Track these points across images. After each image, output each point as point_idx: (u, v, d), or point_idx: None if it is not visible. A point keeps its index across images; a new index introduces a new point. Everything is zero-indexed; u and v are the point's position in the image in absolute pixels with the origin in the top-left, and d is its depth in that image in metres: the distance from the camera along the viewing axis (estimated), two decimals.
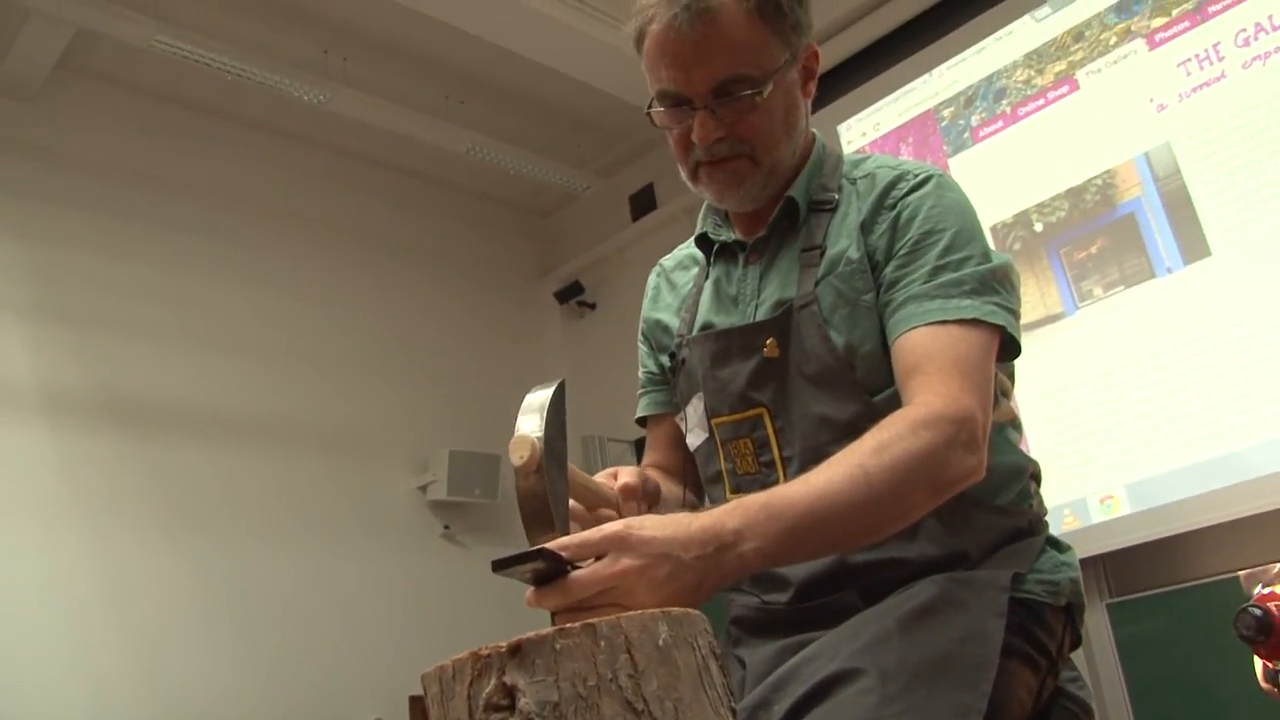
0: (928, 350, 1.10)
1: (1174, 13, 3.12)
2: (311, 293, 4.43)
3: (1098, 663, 3.04)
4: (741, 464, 1.25)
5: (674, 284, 1.43)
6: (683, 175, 1.28)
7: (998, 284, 1.15)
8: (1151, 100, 3.13)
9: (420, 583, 4.32)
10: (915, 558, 1.14)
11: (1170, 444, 2.95)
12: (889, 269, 1.18)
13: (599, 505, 1.12)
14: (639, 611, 0.75)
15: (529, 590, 0.84)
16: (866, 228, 1.21)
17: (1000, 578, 1.12)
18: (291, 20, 3.98)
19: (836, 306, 1.19)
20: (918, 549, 1.14)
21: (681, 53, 1.17)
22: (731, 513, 0.90)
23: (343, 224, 4.64)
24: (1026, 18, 3.46)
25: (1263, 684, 1.59)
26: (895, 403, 1.09)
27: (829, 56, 3.18)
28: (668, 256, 1.48)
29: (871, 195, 1.23)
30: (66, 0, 3.43)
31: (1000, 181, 3.43)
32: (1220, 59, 3.00)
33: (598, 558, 0.84)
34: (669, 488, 1.33)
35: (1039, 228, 3.35)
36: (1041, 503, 1.27)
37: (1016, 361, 1.25)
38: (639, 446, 1.52)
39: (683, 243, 1.46)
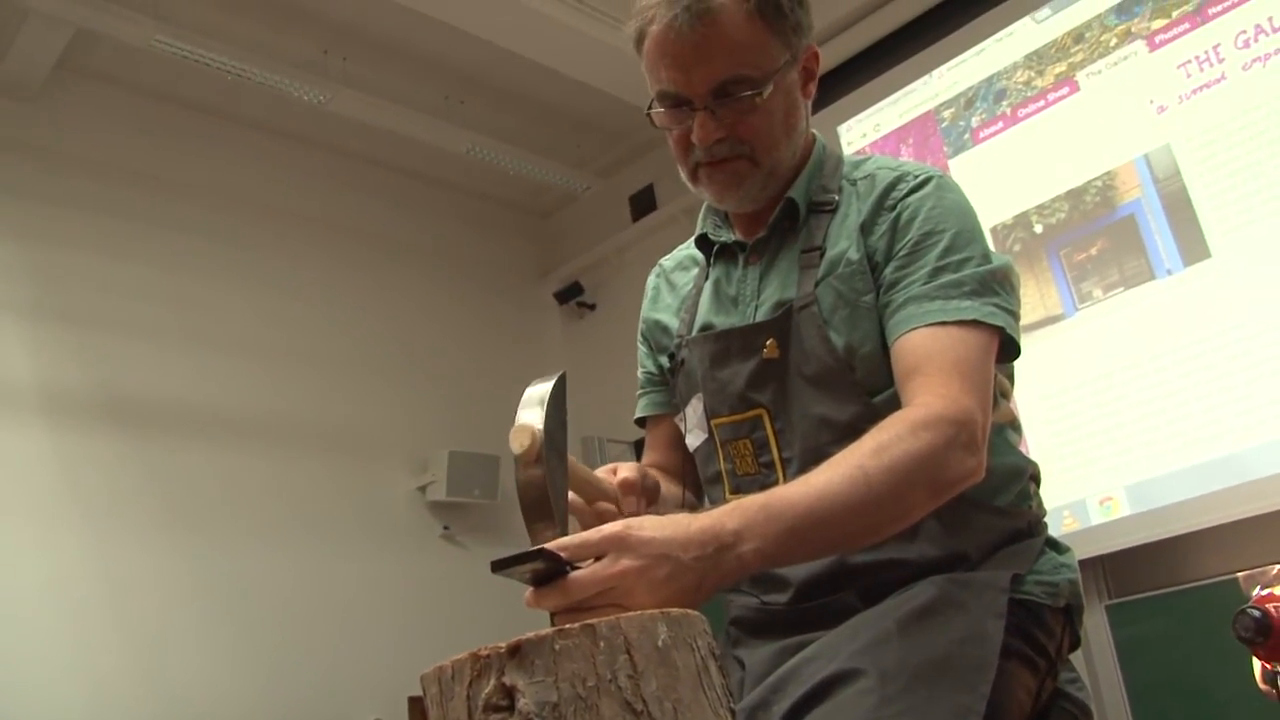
0: (927, 351, 1.10)
1: (1174, 14, 3.12)
2: (311, 293, 4.43)
3: (1097, 664, 3.04)
4: (741, 465, 1.25)
5: (674, 284, 1.43)
6: (682, 176, 1.28)
7: (997, 285, 1.15)
8: (1152, 102, 3.13)
9: (419, 583, 4.32)
10: (915, 559, 1.14)
11: (1169, 445, 2.95)
12: (889, 270, 1.18)
13: (598, 498, 1.12)
14: (638, 612, 0.75)
15: (528, 591, 0.84)
16: (866, 229, 1.21)
17: (999, 579, 1.12)
18: (291, 20, 3.98)
19: (836, 307, 1.19)
20: (917, 550, 1.14)
21: (681, 53, 1.17)
22: (731, 514, 0.90)
23: (342, 224, 4.64)
24: (1027, 19, 3.47)
25: (1261, 685, 1.59)
26: (895, 404, 1.09)
27: (829, 57, 3.18)
28: (667, 257, 1.48)
29: (871, 196, 1.23)
30: (66, 0, 3.43)
31: (1000, 183, 3.43)
32: (1220, 61, 3.00)
33: (597, 558, 0.84)
34: (668, 488, 1.33)
35: (1039, 229, 3.35)
36: (1041, 504, 1.28)
37: (1016, 363, 1.25)
38: (639, 447, 1.52)
39: (682, 243, 1.46)
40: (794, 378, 1.21)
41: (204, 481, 3.88)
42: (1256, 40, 2.94)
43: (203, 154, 4.27)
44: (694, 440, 1.32)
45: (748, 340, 1.24)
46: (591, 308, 5.19)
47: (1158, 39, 3.15)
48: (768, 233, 1.28)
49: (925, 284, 1.14)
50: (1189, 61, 3.07)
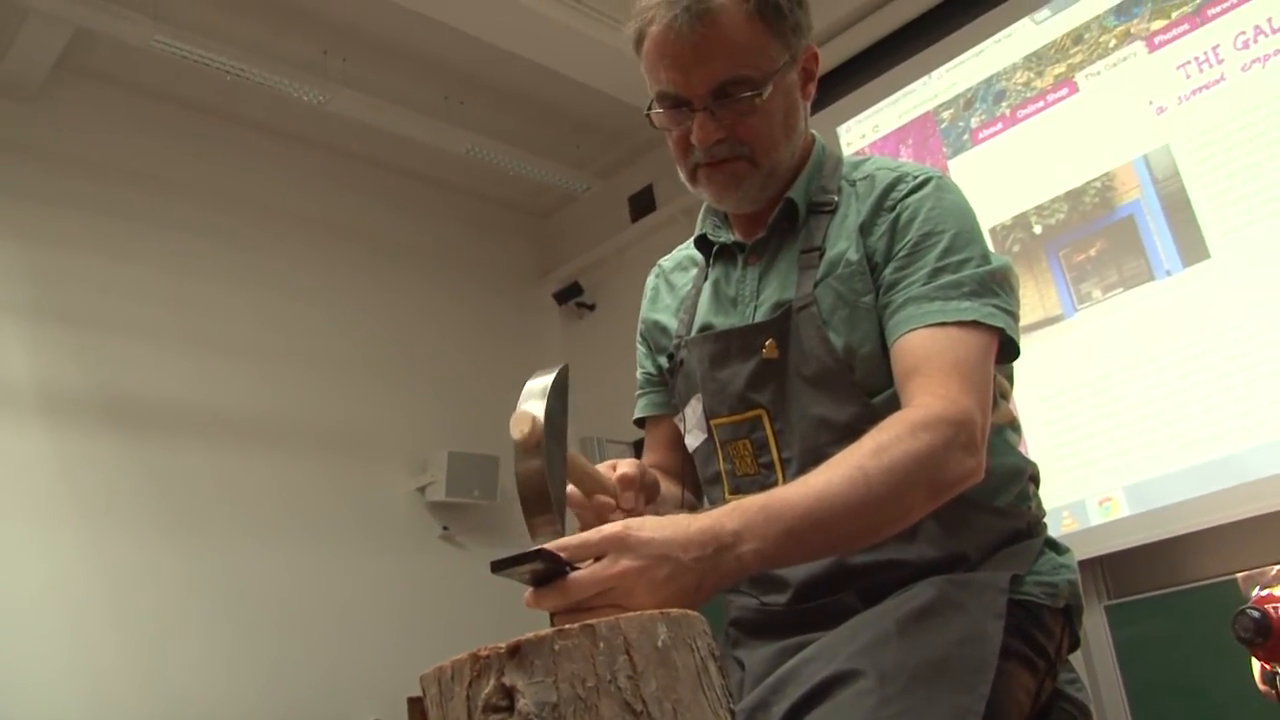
0: (927, 352, 1.10)
1: (1173, 15, 3.12)
2: (311, 293, 4.43)
3: (1096, 665, 3.04)
4: (740, 465, 1.25)
5: (673, 285, 1.43)
6: (681, 177, 1.28)
7: (997, 286, 1.15)
8: (1151, 103, 3.13)
9: (419, 584, 4.32)
10: (914, 559, 1.14)
11: (1169, 446, 2.95)
12: (888, 270, 1.18)
13: (596, 491, 1.12)
14: (638, 613, 0.75)
15: (528, 591, 0.84)
16: (866, 229, 1.21)
17: (999, 580, 1.12)
18: (291, 20, 3.98)
19: (836, 308, 1.19)
20: (916, 551, 1.14)
21: (681, 54, 1.17)
22: (730, 514, 0.90)
23: (342, 225, 4.64)
24: (1026, 20, 3.47)
25: (1260, 686, 1.59)
26: (894, 404, 1.09)
27: (829, 58, 3.19)
28: (666, 257, 1.48)
29: (871, 197, 1.23)
30: (65, 0, 3.43)
31: (999, 183, 3.43)
32: (1220, 61, 3.00)
33: (597, 559, 0.84)
34: (668, 488, 1.33)
35: (1038, 230, 3.35)
36: (1040, 505, 1.28)
37: (1015, 363, 1.25)
38: (638, 448, 1.52)
39: (682, 244, 1.46)
40: (793, 378, 1.21)
41: (203, 482, 3.88)
42: (1256, 41, 2.94)
43: (202, 154, 4.27)
44: (693, 441, 1.32)
45: (747, 341, 1.24)
46: (591, 308, 5.19)
47: (1157, 40, 3.15)
48: (767, 233, 1.28)
49: (925, 285, 1.14)
50: (1188, 62, 3.07)
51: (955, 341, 1.10)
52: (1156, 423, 2.98)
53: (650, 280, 1.48)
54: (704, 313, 1.33)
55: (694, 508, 1.35)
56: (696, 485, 1.36)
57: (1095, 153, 3.24)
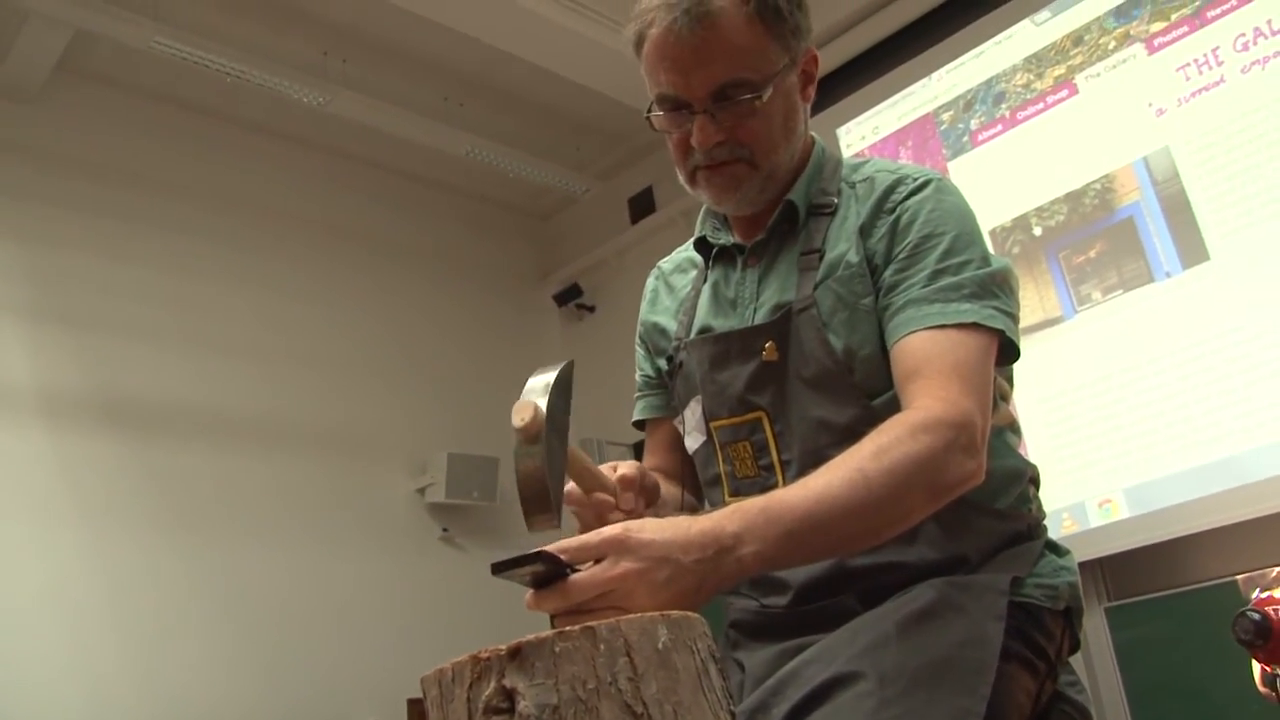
0: (927, 354, 1.10)
1: (1173, 17, 3.12)
2: (310, 295, 4.43)
3: (1096, 667, 3.04)
4: (740, 467, 1.25)
5: (672, 287, 1.43)
6: (681, 179, 1.28)
7: (997, 288, 1.15)
8: (1150, 105, 3.13)
9: (418, 585, 4.32)
10: (914, 561, 1.14)
11: (1168, 448, 2.95)
12: (888, 273, 1.18)
13: (596, 488, 1.12)
14: (638, 615, 0.75)
15: (528, 593, 0.84)
16: (866, 231, 1.21)
17: (999, 582, 1.12)
18: (291, 22, 3.98)
19: (835, 310, 1.19)
20: (917, 553, 1.14)
21: (681, 57, 1.17)
22: (731, 516, 0.90)
23: (341, 226, 4.64)
24: (1025, 22, 3.47)
25: (1261, 688, 1.59)
26: (894, 406, 1.09)
27: (828, 60, 3.19)
28: (666, 259, 1.48)
29: (871, 199, 1.23)
30: (65, 2, 3.43)
31: (999, 185, 3.44)
32: (1219, 64, 3.01)
33: (597, 561, 0.84)
34: (668, 490, 1.33)
35: (1038, 231, 3.35)
36: (1040, 507, 1.28)
37: (1015, 365, 1.25)
38: (638, 450, 1.52)
39: (681, 246, 1.46)
40: (793, 380, 1.21)
41: (203, 483, 3.88)
42: (1255, 43, 2.94)
43: (202, 156, 4.27)
44: (693, 442, 1.32)
45: (747, 343, 1.24)
46: (591, 310, 5.19)
47: (1156, 42, 3.15)
48: (767, 235, 1.28)
49: (924, 287, 1.14)
50: (1188, 64, 3.07)
51: (955, 344, 1.10)
52: (1156, 424, 2.98)
53: (649, 282, 1.48)
54: (703, 315, 1.33)
55: (694, 510, 1.35)
56: (696, 487, 1.36)
57: (1095, 154, 3.24)
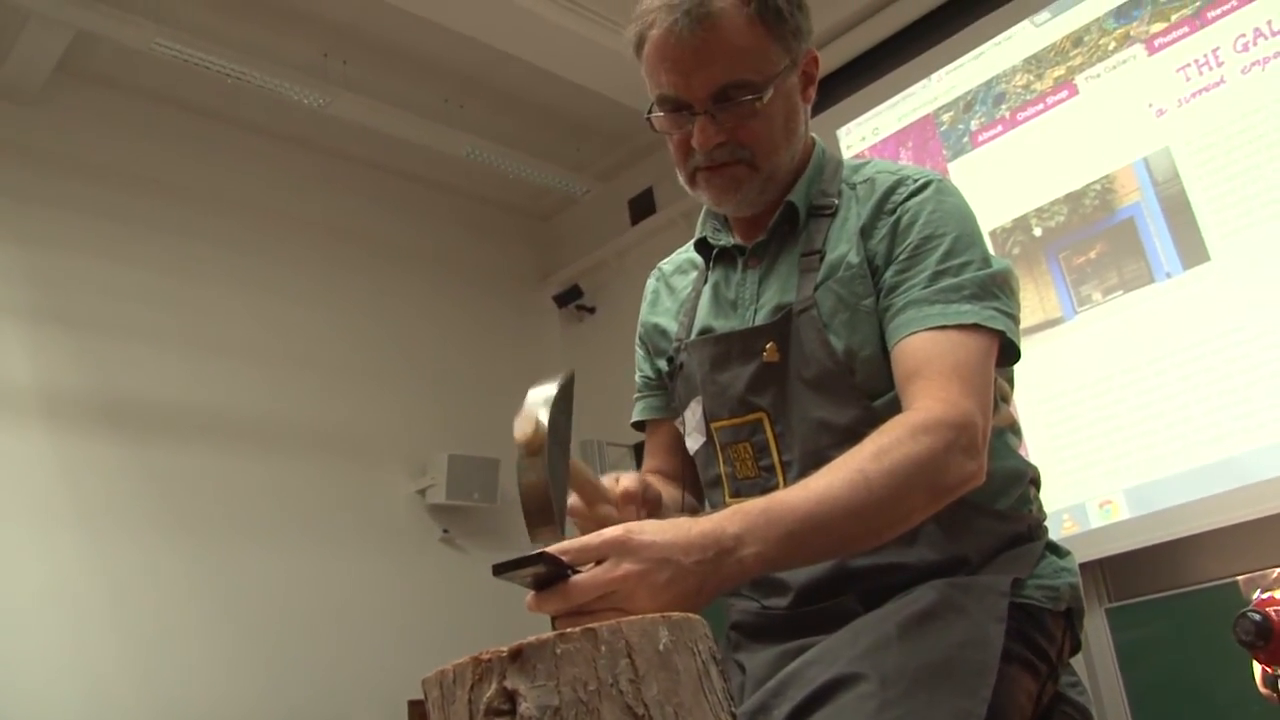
0: (927, 355, 1.10)
1: (1173, 18, 3.12)
2: (311, 296, 4.43)
3: (1097, 668, 3.04)
4: (741, 468, 1.25)
5: (673, 288, 1.43)
6: (681, 180, 1.28)
7: (997, 289, 1.15)
8: (1150, 105, 3.13)
9: (419, 586, 4.32)
10: (915, 563, 1.14)
11: (1169, 449, 2.95)
12: (889, 274, 1.18)
13: (598, 501, 1.12)
14: (639, 616, 0.75)
15: (529, 594, 0.84)
16: (866, 232, 1.21)
17: (1000, 583, 1.12)
18: (291, 23, 3.98)
19: (836, 311, 1.19)
20: (917, 554, 1.14)
21: (682, 58, 1.17)
22: (732, 518, 0.90)
23: (342, 227, 4.64)
24: (1025, 23, 3.47)
25: (1262, 689, 1.59)
26: (895, 407, 1.09)
27: (828, 61, 3.19)
28: (666, 260, 1.48)
29: (871, 200, 1.23)
30: (66, 3, 3.43)
31: (999, 186, 3.44)
32: (1219, 64, 3.01)
33: (598, 562, 0.84)
34: (669, 493, 1.33)
35: (1038, 232, 3.35)
36: (1041, 508, 1.28)
37: (1016, 366, 1.25)
38: (638, 451, 1.52)
39: (682, 247, 1.46)
40: (794, 381, 1.21)
41: (203, 485, 3.88)
42: (1255, 44, 2.94)
43: (202, 157, 4.27)
44: (693, 443, 1.32)
45: (747, 344, 1.24)
46: (591, 311, 5.19)
47: (1156, 42, 3.15)
48: (767, 236, 1.28)
49: (925, 288, 1.14)
50: (1188, 65, 3.07)
51: (956, 345, 1.10)
52: (1157, 425, 2.98)
53: (650, 283, 1.48)
54: (704, 316, 1.33)
55: (695, 511, 1.35)
56: (697, 488, 1.36)
57: (1095, 155, 3.24)
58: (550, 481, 0.92)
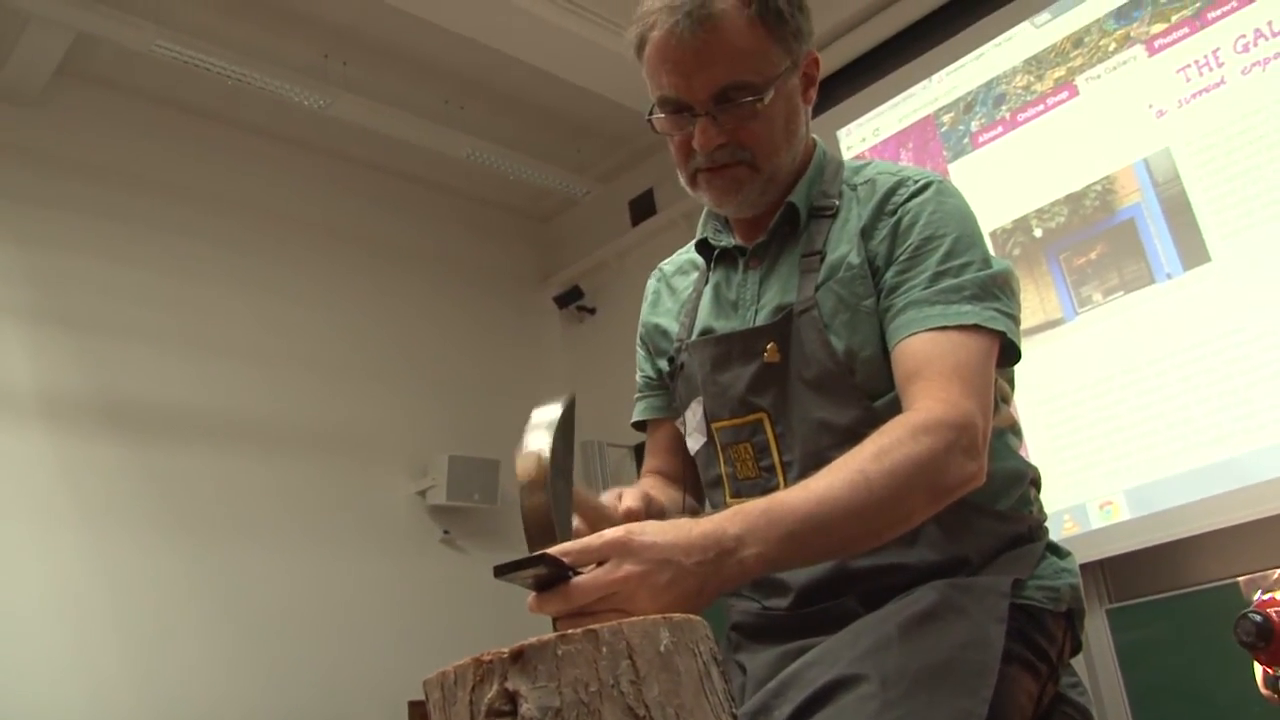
0: (928, 356, 1.10)
1: (1173, 19, 3.12)
2: (311, 298, 4.43)
3: (1098, 668, 3.04)
4: (741, 468, 1.25)
5: (673, 289, 1.43)
6: (682, 181, 1.28)
7: (998, 290, 1.15)
8: (1151, 106, 3.13)
9: (419, 587, 4.32)
10: (916, 563, 1.14)
11: (1170, 449, 2.95)
12: (889, 274, 1.18)
13: (602, 525, 1.12)
14: (640, 617, 0.75)
15: (531, 596, 0.84)
16: (867, 233, 1.22)
17: (1001, 584, 1.12)
18: (291, 25, 3.99)
19: (837, 312, 1.19)
20: (918, 555, 1.14)
21: (683, 59, 1.17)
22: (732, 518, 0.90)
23: (342, 229, 4.64)
24: (1026, 24, 3.47)
25: (1263, 690, 1.59)
26: (895, 408, 1.09)
27: (829, 62, 3.19)
28: (667, 261, 1.48)
29: (872, 201, 1.23)
30: (67, 5, 3.43)
31: (1000, 187, 3.44)
32: (1220, 65, 3.01)
33: (599, 563, 0.84)
34: (670, 494, 1.33)
35: (1038, 233, 3.35)
36: (1041, 508, 1.28)
37: (1016, 367, 1.25)
38: (638, 452, 1.52)
39: (682, 247, 1.46)
40: (794, 382, 1.21)
41: (204, 485, 3.88)
42: (1256, 44, 2.94)
43: (203, 159, 4.27)
44: (694, 444, 1.32)
45: (748, 344, 1.24)
46: (591, 312, 5.19)
47: (1157, 43, 3.15)
48: (768, 237, 1.28)
49: (926, 289, 1.14)
50: (1188, 66, 3.07)
51: (956, 345, 1.10)
52: (1157, 426, 2.98)
53: (651, 284, 1.48)
54: (705, 316, 1.33)
55: (695, 511, 1.35)
56: (697, 489, 1.37)
57: (1095, 156, 3.24)
58: (554, 517, 0.92)
